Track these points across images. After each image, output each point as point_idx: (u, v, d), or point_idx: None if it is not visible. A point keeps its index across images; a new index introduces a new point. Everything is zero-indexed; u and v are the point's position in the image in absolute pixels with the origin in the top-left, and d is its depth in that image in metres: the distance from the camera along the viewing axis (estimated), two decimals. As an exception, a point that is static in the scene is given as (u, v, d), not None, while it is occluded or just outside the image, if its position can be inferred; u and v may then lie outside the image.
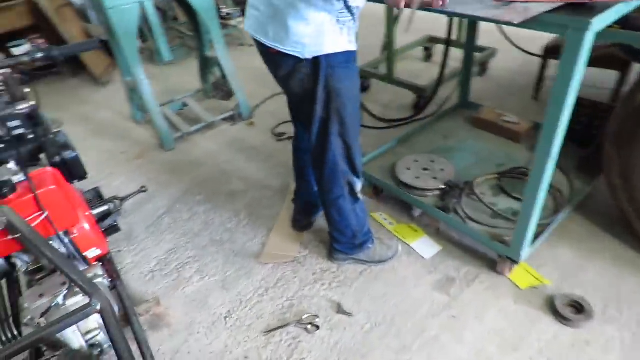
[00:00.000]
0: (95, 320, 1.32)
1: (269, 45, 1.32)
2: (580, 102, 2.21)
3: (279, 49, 1.29)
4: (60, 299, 1.24)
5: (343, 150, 1.51)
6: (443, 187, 1.96)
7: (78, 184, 2.37)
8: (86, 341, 1.29)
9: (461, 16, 1.26)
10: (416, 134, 2.44)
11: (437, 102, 2.93)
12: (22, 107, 1.47)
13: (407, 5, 1.20)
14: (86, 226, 1.64)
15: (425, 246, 1.93)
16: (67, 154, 1.53)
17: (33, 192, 1.22)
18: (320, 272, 1.87)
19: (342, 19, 1.26)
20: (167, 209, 2.33)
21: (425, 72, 3.45)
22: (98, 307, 0.97)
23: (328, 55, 1.29)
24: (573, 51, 1.14)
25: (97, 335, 1.32)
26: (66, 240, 1.53)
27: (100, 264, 1.63)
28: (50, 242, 1.22)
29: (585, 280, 1.71)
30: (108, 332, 1.02)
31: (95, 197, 1.74)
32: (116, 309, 1.50)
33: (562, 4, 1.17)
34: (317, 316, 1.68)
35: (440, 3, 1.24)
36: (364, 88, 3.27)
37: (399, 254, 1.89)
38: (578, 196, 1.91)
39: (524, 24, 1.17)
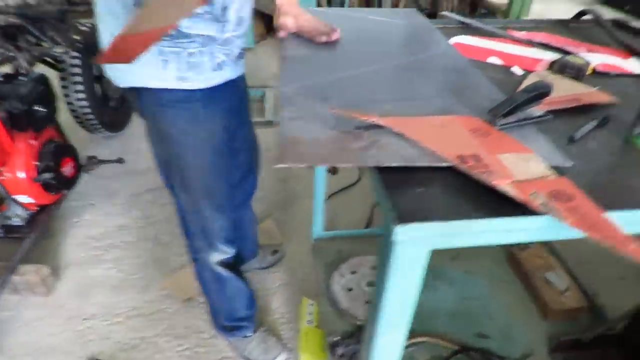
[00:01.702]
0: None
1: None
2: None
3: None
4: None
5: (192, 208, 1.19)
6: (364, 320, 1.43)
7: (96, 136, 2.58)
8: None
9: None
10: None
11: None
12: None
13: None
14: (19, 174, 1.76)
15: (315, 376, 1.48)
16: (13, 106, 1.63)
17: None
18: (193, 330, 1.62)
19: (168, 48, 0.91)
20: (158, 186, 2.34)
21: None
22: None
23: (151, 89, 0.97)
24: (383, 257, 0.61)
25: None
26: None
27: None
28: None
29: None
30: None
31: (51, 153, 1.83)
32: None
33: (450, 165, 0.63)
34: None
35: (324, 39, 1.06)
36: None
37: (274, 365, 1.49)
38: None
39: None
